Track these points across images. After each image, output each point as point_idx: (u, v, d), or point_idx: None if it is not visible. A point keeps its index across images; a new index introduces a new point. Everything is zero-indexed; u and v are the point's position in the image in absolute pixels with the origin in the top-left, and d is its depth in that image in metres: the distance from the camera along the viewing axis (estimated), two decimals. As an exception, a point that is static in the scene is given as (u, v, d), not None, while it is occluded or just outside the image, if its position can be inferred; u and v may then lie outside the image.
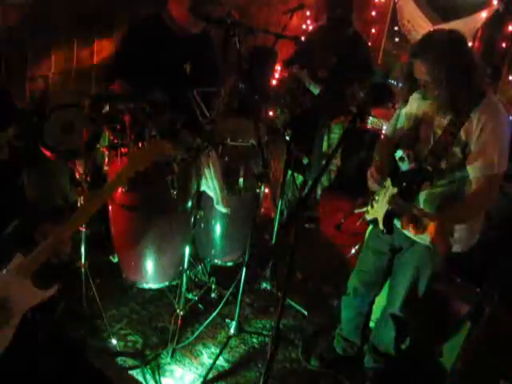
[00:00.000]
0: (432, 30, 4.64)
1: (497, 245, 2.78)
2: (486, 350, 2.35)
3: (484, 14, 4.56)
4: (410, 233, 2.06)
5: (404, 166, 2.24)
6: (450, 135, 2.03)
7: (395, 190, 2.14)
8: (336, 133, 3.97)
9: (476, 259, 2.46)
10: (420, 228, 1.88)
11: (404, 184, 2.14)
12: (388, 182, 2.20)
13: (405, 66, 2.09)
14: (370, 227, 2.47)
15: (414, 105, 2.22)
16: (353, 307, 2.63)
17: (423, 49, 1.99)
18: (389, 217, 2.18)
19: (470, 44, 4.57)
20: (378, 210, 2.26)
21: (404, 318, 2.45)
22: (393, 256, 2.42)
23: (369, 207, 2.34)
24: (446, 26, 4.59)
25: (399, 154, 2.25)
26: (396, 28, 5.20)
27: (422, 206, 2.16)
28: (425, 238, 2.16)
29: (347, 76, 3.62)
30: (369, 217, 2.35)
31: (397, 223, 2.21)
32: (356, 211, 2.49)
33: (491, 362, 2.34)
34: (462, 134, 2.01)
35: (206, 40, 2.99)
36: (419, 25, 4.86)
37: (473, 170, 2.03)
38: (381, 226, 2.23)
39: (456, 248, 2.16)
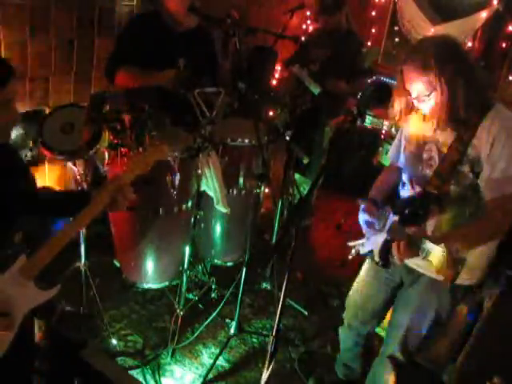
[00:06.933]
0: (432, 30, 4.65)
1: (497, 244, 2.77)
2: (485, 349, 2.35)
3: (484, 14, 4.56)
4: (400, 259, 1.81)
5: (405, 192, 2.05)
6: (456, 152, 1.79)
7: (396, 218, 1.89)
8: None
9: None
10: (414, 250, 1.72)
11: (407, 211, 1.85)
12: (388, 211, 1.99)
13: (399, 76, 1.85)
14: (367, 260, 2.28)
15: (414, 125, 1.97)
16: (349, 339, 2.47)
17: (414, 52, 1.77)
18: (386, 247, 1.91)
19: (469, 44, 4.63)
20: (375, 240, 2.02)
21: (403, 361, 2.16)
22: (392, 294, 2.20)
23: (364, 239, 2.11)
24: (445, 26, 4.68)
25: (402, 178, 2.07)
26: (396, 28, 5.21)
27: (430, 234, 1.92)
28: (431, 269, 1.85)
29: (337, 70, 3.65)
30: (363, 250, 2.12)
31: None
32: (349, 244, 2.28)
33: (490, 361, 2.34)
34: (471, 150, 1.78)
35: (204, 35, 2.96)
36: (419, 25, 4.87)
37: (486, 189, 1.79)
38: (376, 258, 1.98)
39: (466, 280, 1.93)
